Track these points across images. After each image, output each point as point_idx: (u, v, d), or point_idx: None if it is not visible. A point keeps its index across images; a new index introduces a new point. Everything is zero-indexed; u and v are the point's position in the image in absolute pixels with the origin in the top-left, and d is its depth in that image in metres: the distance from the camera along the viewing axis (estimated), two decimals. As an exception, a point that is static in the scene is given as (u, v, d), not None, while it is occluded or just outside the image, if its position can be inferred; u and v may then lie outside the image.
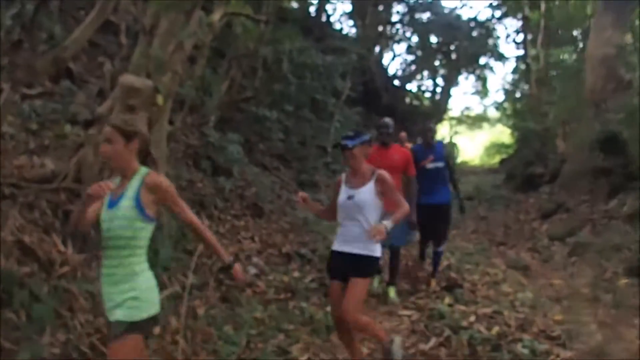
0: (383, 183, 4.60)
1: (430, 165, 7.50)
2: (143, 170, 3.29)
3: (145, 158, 3.40)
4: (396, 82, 31.38)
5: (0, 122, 5.67)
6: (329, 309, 5.45)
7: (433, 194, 7.46)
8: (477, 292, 7.41)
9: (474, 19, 31.86)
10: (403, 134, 11.36)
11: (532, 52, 25.77)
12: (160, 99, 5.92)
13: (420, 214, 7.14)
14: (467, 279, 8.03)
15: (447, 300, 6.96)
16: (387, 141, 7.06)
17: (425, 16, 30.74)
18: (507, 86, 36.11)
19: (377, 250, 4.68)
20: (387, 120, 7.22)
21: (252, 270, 7.61)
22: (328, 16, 26.43)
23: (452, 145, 34.80)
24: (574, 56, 22.39)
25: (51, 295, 5.00)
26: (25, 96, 7.13)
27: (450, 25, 29.92)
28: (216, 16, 9.21)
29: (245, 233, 8.86)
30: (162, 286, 6.25)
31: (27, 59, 7.02)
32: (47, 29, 8.95)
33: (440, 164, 7.55)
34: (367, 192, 4.59)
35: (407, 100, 32.61)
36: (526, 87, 29.37)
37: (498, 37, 32.77)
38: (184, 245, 7.19)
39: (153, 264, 6.21)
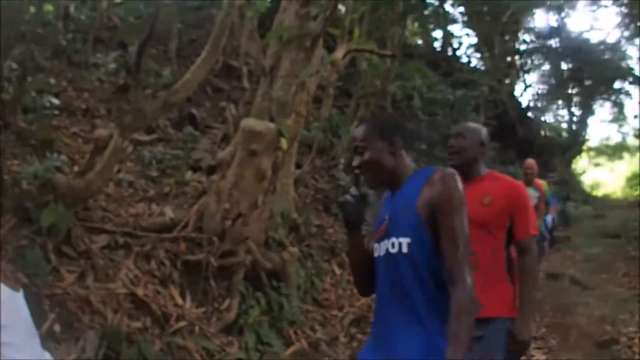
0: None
1: None
2: None
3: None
4: (530, 114, 30.01)
5: (110, 168, 5.53)
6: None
7: None
8: (634, 348, 6.54)
9: (603, 41, 30.03)
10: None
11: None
12: (284, 143, 5.60)
13: None
14: (622, 331, 7.09)
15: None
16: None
17: (553, 42, 29.37)
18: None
19: None
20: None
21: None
22: (454, 50, 25.67)
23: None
24: None
25: (164, 353, 4.79)
26: (139, 142, 7.08)
27: (580, 50, 28.35)
28: (339, 54, 8.92)
29: (379, 281, 8.33)
30: (287, 342, 5.92)
31: (135, 103, 6.99)
32: (154, 72, 9.01)
33: None
34: None
35: (543, 132, 31.12)
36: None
37: (631, 58, 30.61)
38: (313, 296, 6.80)
39: (278, 318, 5.93)
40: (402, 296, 2.24)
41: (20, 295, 2.44)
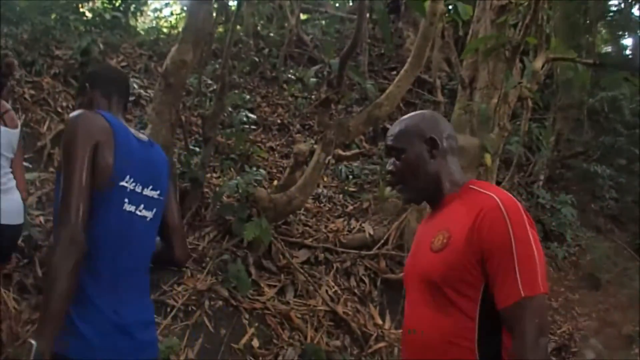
0: None
1: None
2: None
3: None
4: None
5: (313, 183, 5.51)
6: None
7: None
8: None
9: None
10: None
11: None
12: (487, 158, 5.27)
13: None
14: None
15: None
16: None
17: None
18: None
19: None
20: None
21: (590, 355, 6.52)
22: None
23: None
24: None
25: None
26: (340, 157, 7.05)
27: None
28: (538, 63, 8.40)
29: (580, 309, 7.73)
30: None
31: (338, 118, 6.95)
32: (356, 86, 8.96)
33: None
34: None
35: None
36: None
37: None
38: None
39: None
40: None
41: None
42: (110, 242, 2.10)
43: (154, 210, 2.28)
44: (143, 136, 2.35)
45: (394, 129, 2.14)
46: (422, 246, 2.06)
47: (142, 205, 2.21)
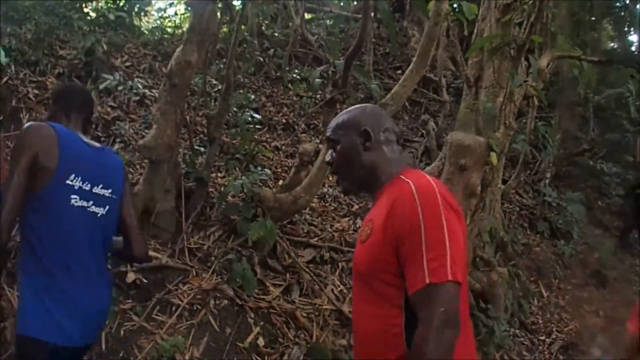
0: None
1: None
2: None
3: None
4: None
5: (318, 183, 5.50)
6: None
7: None
8: None
9: None
10: None
11: None
12: (493, 157, 5.24)
13: None
14: None
15: None
16: None
17: None
18: None
19: None
20: None
21: (597, 352, 6.51)
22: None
23: None
24: None
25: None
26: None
27: None
28: (544, 61, 8.37)
29: (588, 306, 7.71)
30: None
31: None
32: (361, 86, 8.95)
33: None
34: None
35: None
36: None
37: None
38: (520, 319, 6.40)
39: (484, 342, 5.59)
40: None
41: None
42: (60, 232, 2.47)
43: (107, 207, 2.65)
44: (96, 143, 2.76)
45: (333, 121, 2.19)
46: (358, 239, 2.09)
47: (91, 202, 2.58)
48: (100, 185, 2.62)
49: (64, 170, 2.47)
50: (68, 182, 2.48)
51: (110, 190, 2.67)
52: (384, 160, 2.08)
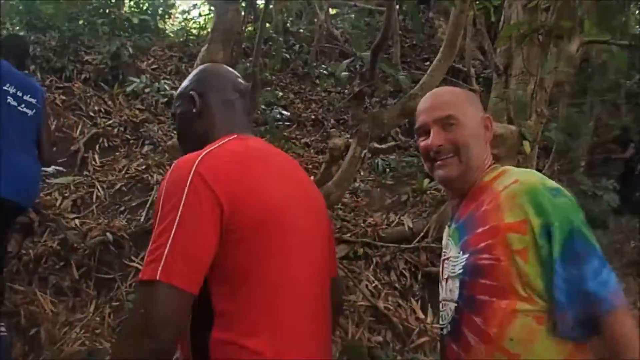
0: None
1: None
2: None
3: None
4: None
5: (349, 178, 5.42)
6: None
7: None
8: None
9: None
10: None
11: None
12: (526, 146, 5.13)
13: None
14: None
15: None
16: None
17: None
18: None
19: None
20: None
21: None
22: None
23: None
24: None
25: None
26: (376, 151, 6.95)
27: None
28: (573, 47, 8.21)
29: (625, 297, 7.52)
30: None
31: (372, 111, 6.85)
32: (390, 78, 8.86)
33: None
34: None
35: None
36: None
37: None
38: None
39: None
40: None
41: None
42: (5, 121, 3.71)
43: (33, 110, 3.91)
44: (27, 76, 4.16)
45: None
46: None
47: (23, 105, 3.85)
48: (29, 95, 3.89)
49: (3, 80, 3.74)
50: (5, 88, 3.75)
51: (35, 100, 3.93)
52: (214, 126, 1.78)
